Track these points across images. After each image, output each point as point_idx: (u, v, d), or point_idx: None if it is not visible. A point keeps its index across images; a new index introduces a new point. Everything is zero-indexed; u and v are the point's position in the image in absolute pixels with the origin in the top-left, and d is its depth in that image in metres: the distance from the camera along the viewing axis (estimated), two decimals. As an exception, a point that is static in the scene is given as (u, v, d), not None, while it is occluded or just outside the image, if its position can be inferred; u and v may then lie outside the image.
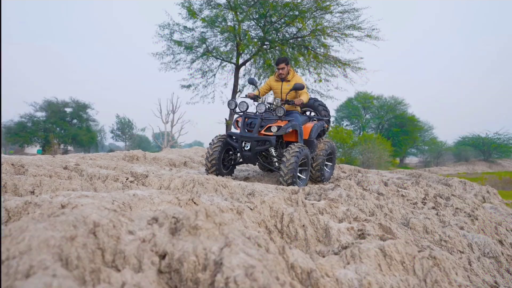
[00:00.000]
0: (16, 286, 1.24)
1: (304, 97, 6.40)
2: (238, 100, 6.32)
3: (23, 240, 1.48)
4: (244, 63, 17.63)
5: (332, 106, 50.63)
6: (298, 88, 6.24)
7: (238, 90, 17.61)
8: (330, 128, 21.62)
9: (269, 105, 6.23)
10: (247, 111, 6.14)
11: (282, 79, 6.67)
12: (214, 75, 18.42)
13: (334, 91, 40.30)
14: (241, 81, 18.00)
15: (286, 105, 6.61)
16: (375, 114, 47.50)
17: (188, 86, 18.39)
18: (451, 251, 3.59)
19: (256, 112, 6.10)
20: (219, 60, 18.00)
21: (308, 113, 7.80)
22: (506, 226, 5.00)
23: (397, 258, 2.40)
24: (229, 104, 6.34)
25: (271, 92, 7.08)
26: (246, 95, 6.64)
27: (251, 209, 3.05)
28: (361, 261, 2.29)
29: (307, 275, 1.94)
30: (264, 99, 6.26)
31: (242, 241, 1.84)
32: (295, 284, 1.74)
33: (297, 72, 15.79)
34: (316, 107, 7.64)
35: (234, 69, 17.78)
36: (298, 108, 6.85)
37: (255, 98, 6.55)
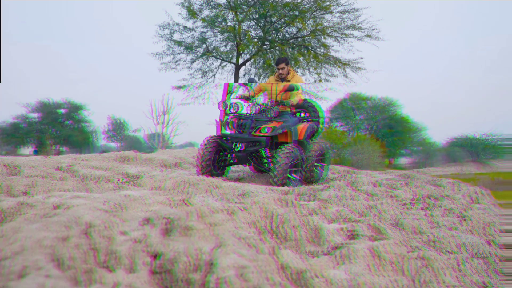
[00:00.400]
0: (10, 286, 1.25)
1: (295, 99, 6.42)
2: (231, 101, 6.33)
3: (16, 240, 1.50)
4: (244, 63, 17.56)
5: (326, 107, 50.50)
6: (290, 89, 6.26)
7: (237, 90, 17.53)
8: (324, 129, 21.61)
9: (261, 106, 6.24)
10: (240, 112, 6.14)
11: (282, 79, 6.68)
12: (214, 75, 18.31)
13: (334, 91, 40.27)
14: (241, 81, 17.95)
15: (279, 106, 6.62)
16: (367, 115, 47.52)
17: (180, 87, 18.31)
18: (441, 252, 3.62)
19: (248, 113, 6.11)
20: (219, 60, 17.92)
21: (300, 114, 7.81)
22: (496, 227, 5.03)
23: (387, 259, 2.43)
24: (220, 105, 6.34)
25: (264, 92, 7.09)
26: (238, 96, 6.65)
27: (242, 210, 3.07)
28: (351, 261, 2.31)
29: (298, 275, 1.96)
30: (256, 100, 6.26)
31: (234, 241, 1.86)
32: (287, 285, 1.77)
33: (297, 72, 15.77)
34: (306, 108, 7.65)
35: (234, 69, 17.73)
36: (292, 109, 6.86)
37: (247, 99, 6.55)
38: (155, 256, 1.77)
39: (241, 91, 6.72)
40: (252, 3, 16.16)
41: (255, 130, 6.00)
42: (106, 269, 1.66)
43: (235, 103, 6.13)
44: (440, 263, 2.68)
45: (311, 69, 17.37)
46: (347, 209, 3.87)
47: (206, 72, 18.13)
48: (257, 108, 6.01)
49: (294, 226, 2.95)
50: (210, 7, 16.74)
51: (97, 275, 1.54)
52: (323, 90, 17.85)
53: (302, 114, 7.80)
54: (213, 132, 6.23)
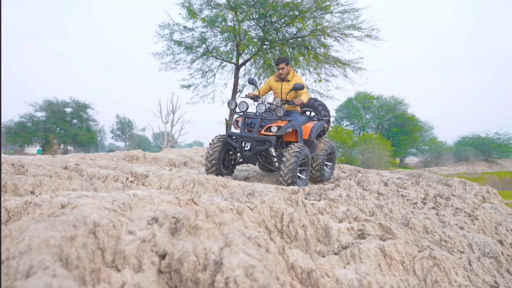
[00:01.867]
0: (16, 286, 1.24)
1: (304, 97, 6.40)
2: (238, 100, 6.32)
3: (23, 240, 1.48)
4: (244, 63, 17.60)
5: (332, 106, 50.58)
6: (298, 88, 6.24)
7: (238, 90, 17.58)
8: (330, 128, 21.61)
9: (269, 105, 6.23)
10: (247, 111, 6.13)
11: (282, 79, 6.67)
12: (214, 75, 18.39)
13: (334, 91, 40.26)
14: (241, 81, 17.97)
15: (286, 105, 6.61)
16: (375, 114, 47.42)
17: (188, 86, 18.37)
18: (451, 251, 3.59)
19: (256, 112, 6.10)
20: (219, 60, 17.96)
21: (308, 113, 7.80)
22: (506, 226, 4.99)
23: (397, 258, 2.40)
24: (229, 104, 6.34)
25: (271, 92, 7.08)
26: (246, 95, 6.64)
27: (251, 209, 3.05)
28: (361, 261, 2.29)
29: (307, 275, 1.94)
30: (264, 99, 6.25)
31: (242, 241, 1.84)
32: (295, 284, 1.74)
33: (297, 72, 15.75)
34: (316, 107, 7.64)
35: (234, 69, 17.75)
36: (298, 108, 6.85)
37: (255, 98, 6.55)
38: (162, 256, 1.75)
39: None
40: (252, 3, 16.19)
41: (262, 129, 5.99)
42: (113, 268, 1.65)
43: (243, 102, 6.12)
44: (450, 262, 2.64)
45: (311, 69, 17.46)
46: (356, 208, 3.85)
47: (206, 72, 18.23)
48: (265, 107, 5.99)
49: (303, 226, 2.93)
50: (210, 7, 16.84)
51: (104, 275, 1.52)
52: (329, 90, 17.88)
53: (312, 113, 7.79)
54: (221, 131, 6.25)
